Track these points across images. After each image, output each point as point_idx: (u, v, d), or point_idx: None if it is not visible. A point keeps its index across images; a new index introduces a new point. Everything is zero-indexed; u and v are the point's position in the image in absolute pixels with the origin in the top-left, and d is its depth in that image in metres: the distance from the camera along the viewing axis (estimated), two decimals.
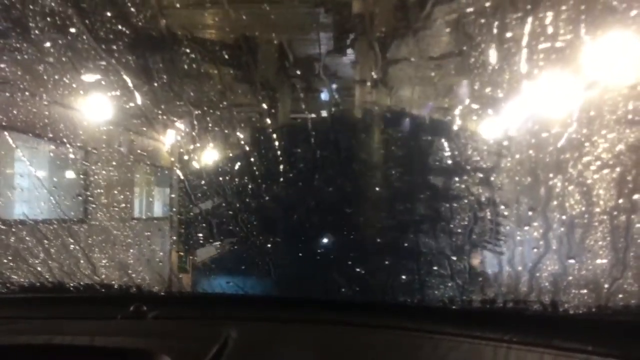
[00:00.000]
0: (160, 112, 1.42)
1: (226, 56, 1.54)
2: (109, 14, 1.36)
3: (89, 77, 1.41)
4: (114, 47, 1.34)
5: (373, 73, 1.62)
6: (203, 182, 1.36)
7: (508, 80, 1.22)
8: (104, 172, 1.41)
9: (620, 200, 1.07)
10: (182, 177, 1.39)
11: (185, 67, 1.43)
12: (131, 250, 1.30)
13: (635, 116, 1.06)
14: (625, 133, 1.07)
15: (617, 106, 1.07)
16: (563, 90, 1.16)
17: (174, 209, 1.38)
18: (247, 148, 1.42)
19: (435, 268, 1.18)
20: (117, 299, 1.24)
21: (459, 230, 1.19)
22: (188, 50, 1.41)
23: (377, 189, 1.45)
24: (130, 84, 1.35)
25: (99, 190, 1.38)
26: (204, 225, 1.32)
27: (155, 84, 1.39)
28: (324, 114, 1.62)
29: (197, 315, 1.12)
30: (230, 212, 1.30)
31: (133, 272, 1.29)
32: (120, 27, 1.34)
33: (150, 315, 1.12)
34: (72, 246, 1.32)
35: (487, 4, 1.26)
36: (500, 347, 0.95)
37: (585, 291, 1.08)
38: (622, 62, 1.09)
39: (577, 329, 0.99)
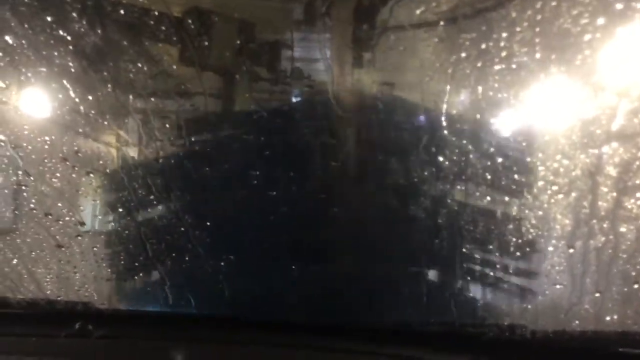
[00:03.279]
0: (92, 105, 1.32)
1: (173, 34, 1.37)
2: None
3: None
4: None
5: (353, 49, 1.42)
6: (149, 189, 1.33)
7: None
8: (42, 178, 1.37)
9: (578, 226, 1.14)
10: (125, 184, 1.36)
11: (122, 45, 1.34)
12: (77, 265, 1.33)
13: (590, 141, 1.13)
14: (581, 158, 1.14)
15: (574, 129, 1.14)
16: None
17: (120, 221, 1.36)
18: (198, 148, 1.36)
19: (392, 288, 1.22)
20: (63, 316, 1.25)
21: (418, 249, 1.24)
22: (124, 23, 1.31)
23: (347, 197, 1.34)
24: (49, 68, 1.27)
25: (37, 199, 1.37)
26: (153, 238, 1.33)
27: (85, 68, 1.30)
28: (294, 103, 1.44)
29: (145, 335, 1.15)
30: (182, 224, 1.30)
31: (80, 289, 1.31)
32: None
33: (95, 335, 1.15)
34: (14, 260, 1.34)
35: None
36: None
37: (542, 315, 1.14)
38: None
39: (533, 354, 1.05)
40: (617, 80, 1.15)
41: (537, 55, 1.19)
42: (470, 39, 1.27)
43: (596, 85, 1.15)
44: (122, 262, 1.34)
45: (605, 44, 1.13)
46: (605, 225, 1.16)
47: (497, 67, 1.24)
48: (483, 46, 1.24)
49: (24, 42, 1.33)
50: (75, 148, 1.37)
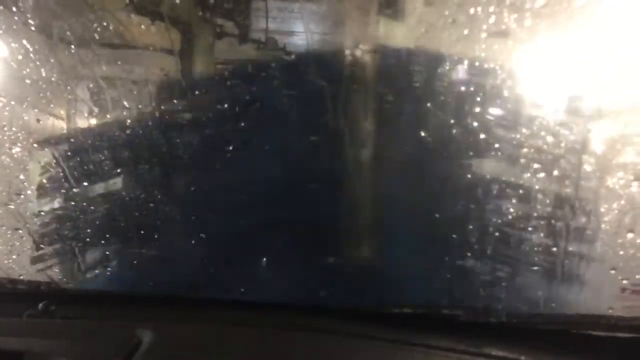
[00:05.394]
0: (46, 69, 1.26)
1: None
2: None
3: None
4: None
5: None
6: (114, 162, 1.29)
7: None
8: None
9: (558, 206, 1.15)
10: (89, 157, 1.31)
11: None
12: (40, 243, 1.31)
13: (570, 117, 1.14)
14: (563, 135, 1.14)
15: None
16: None
17: (85, 197, 1.32)
18: (161, 113, 1.29)
19: (370, 269, 1.23)
20: (26, 295, 1.25)
21: (397, 229, 1.24)
22: None
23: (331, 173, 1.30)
24: None
25: None
26: (120, 215, 1.31)
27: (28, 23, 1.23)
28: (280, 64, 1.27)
29: (110, 315, 1.15)
30: (150, 200, 1.28)
31: (44, 267, 1.30)
32: None
33: (59, 315, 1.14)
34: None
35: None
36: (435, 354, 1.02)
37: (518, 298, 1.15)
38: None
39: (509, 337, 1.07)
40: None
41: None
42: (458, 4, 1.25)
43: None
44: (88, 241, 1.32)
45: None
46: (585, 206, 1.17)
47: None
48: (471, 11, 1.23)
49: None
50: (36, 117, 1.34)
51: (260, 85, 1.34)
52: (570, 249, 1.16)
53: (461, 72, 1.26)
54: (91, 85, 1.30)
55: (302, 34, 1.38)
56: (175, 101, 1.35)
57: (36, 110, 1.33)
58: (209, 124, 1.33)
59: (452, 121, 1.23)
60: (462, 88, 1.22)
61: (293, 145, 1.31)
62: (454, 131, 1.22)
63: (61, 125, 1.35)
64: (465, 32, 1.24)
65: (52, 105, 1.33)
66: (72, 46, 1.28)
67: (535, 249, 1.16)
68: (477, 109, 1.21)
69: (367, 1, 1.36)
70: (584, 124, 1.17)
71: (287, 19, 1.44)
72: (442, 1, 1.26)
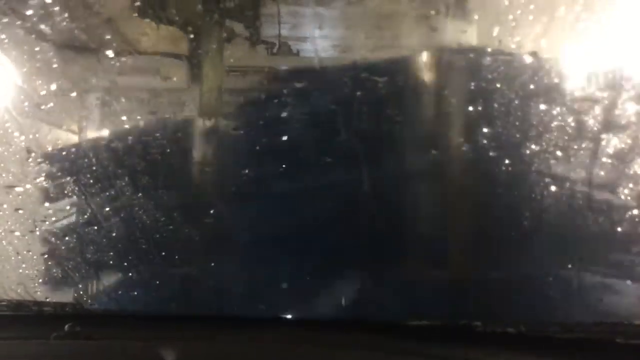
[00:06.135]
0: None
1: None
2: None
3: None
4: None
5: None
6: (133, 184, 1.29)
7: None
8: None
9: (576, 216, 1.16)
10: (109, 179, 1.33)
11: None
12: (65, 266, 1.35)
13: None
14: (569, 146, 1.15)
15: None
16: None
17: (109, 220, 1.34)
18: (172, 129, 1.32)
19: (385, 282, 1.24)
20: (52, 317, 1.28)
21: (409, 239, 1.25)
22: None
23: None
24: None
25: (21, 199, 1.38)
26: (142, 238, 1.34)
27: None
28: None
29: (135, 335, 1.18)
30: (172, 221, 1.31)
31: (68, 290, 1.34)
32: None
33: (84, 336, 1.17)
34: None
35: None
36: None
37: (536, 306, 1.16)
38: None
39: (526, 345, 1.07)
40: None
41: None
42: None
43: None
44: (111, 262, 1.36)
45: None
46: (602, 215, 1.17)
47: None
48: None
49: None
50: (59, 143, 1.39)
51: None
52: (588, 257, 1.16)
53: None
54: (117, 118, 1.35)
55: None
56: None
57: (60, 140, 1.38)
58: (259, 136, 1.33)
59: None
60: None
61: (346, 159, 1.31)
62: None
63: (85, 152, 1.39)
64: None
65: (78, 133, 1.38)
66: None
67: (553, 258, 1.16)
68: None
69: None
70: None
71: None
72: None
